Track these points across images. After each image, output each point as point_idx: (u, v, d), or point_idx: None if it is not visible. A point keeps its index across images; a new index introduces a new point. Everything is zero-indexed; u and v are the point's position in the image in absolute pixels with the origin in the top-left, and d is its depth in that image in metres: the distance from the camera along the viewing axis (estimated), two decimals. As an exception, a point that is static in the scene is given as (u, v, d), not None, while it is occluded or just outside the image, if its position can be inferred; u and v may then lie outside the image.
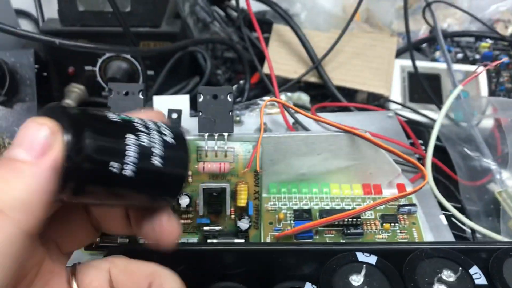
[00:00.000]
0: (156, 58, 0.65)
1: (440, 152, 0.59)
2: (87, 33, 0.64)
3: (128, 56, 0.65)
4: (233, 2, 0.80)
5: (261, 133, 0.40)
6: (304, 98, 0.69)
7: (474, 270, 0.29)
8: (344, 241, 0.41)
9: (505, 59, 0.75)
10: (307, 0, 0.81)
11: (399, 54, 0.76)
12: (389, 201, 0.40)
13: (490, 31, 0.80)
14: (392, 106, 0.68)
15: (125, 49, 0.60)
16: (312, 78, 0.71)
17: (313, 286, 0.37)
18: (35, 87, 0.61)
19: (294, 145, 0.43)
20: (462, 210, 0.53)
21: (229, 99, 0.40)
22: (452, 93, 0.54)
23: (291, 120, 0.57)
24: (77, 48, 0.55)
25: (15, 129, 0.60)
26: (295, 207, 0.43)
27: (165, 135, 0.26)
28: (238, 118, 0.59)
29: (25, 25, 0.83)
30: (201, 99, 0.40)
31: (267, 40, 0.75)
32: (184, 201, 0.39)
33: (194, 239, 0.41)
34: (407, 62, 0.73)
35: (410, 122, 0.64)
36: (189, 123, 0.43)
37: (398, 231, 0.42)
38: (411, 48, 0.71)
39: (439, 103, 0.68)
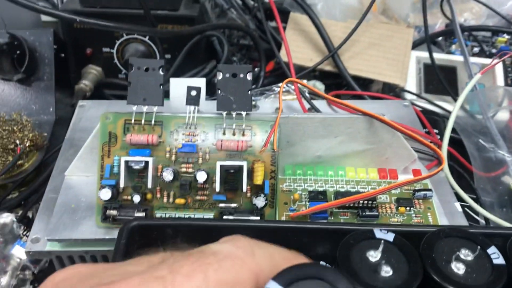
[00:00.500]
0: (174, 41, 0.66)
1: (456, 144, 0.59)
2: (106, 15, 0.64)
3: (146, 39, 0.65)
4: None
5: (280, 112, 0.40)
6: (319, 86, 0.69)
7: (492, 250, 0.29)
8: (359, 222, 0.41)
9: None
10: (324, -10, 0.81)
11: (415, 46, 0.75)
12: (405, 183, 0.40)
13: (508, 25, 0.80)
14: (408, 96, 0.68)
15: (144, 29, 0.60)
16: (328, 67, 0.71)
17: (328, 265, 0.37)
18: (53, 66, 0.61)
19: (312, 127, 0.43)
20: (476, 200, 0.53)
21: (248, 78, 0.40)
22: (469, 83, 0.54)
23: (307, 106, 0.57)
24: (96, 26, 0.55)
25: (32, 107, 0.60)
26: (310, 189, 0.44)
27: None
28: (254, 103, 0.59)
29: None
30: (220, 77, 0.40)
31: (284, 29, 0.75)
32: (201, 177, 0.39)
33: (209, 215, 0.41)
34: (423, 54, 0.72)
35: (425, 112, 0.64)
36: (204, 107, 0.44)
37: (413, 215, 0.42)
38: (428, 39, 0.70)
39: (454, 95, 0.68)
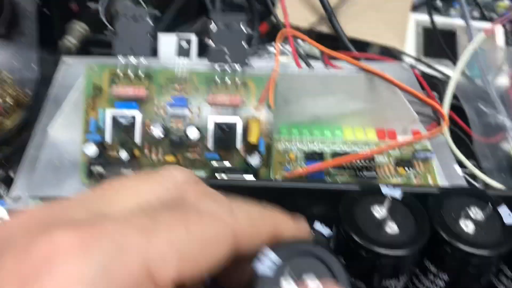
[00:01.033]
0: (163, -3, 0.62)
1: (456, 110, 0.57)
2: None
3: (134, -6, 0.62)
4: None
5: (277, 66, 0.38)
6: (315, 49, 0.66)
7: (503, 209, 0.27)
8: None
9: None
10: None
11: (414, 9, 0.73)
12: (405, 144, 0.38)
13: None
14: (406, 60, 0.66)
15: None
16: (324, 28, 0.68)
17: (323, 225, 0.35)
18: (35, 21, 0.58)
19: (310, 84, 0.41)
20: (476, 166, 0.51)
21: (243, 28, 0.38)
22: (471, 43, 0.52)
23: (303, 66, 0.54)
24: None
25: (13, 63, 0.57)
26: (306, 149, 0.42)
27: None
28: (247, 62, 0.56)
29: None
30: (213, 26, 0.38)
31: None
32: (192, 133, 0.37)
33: (201, 175, 0.39)
34: (423, 17, 0.70)
35: (424, 76, 0.62)
36: (196, 65, 0.41)
37: (413, 176, 0.40)
38: (429, 1, 0.68)
39: (454, 59, 0.66)
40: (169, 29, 0.64)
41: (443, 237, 0.26)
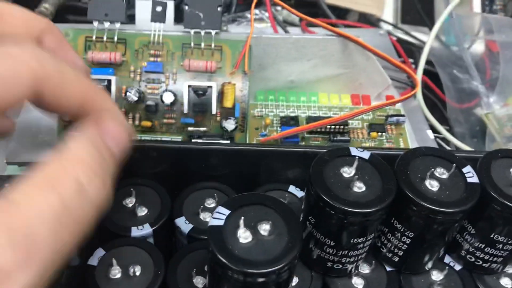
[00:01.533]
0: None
1: (431, 76, 0.58)
2: None
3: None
4: None
5: (251, 30, 0.38)
6: (293, 15, 0.66)
7: (468, 169, 0.29)
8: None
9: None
10: None
11: (393, -25, 0.73)
12: (378, 107, 0.39)
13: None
14: (384, 27, 0.66)
15: None
16: (303, -6, 0.68)
17: (297, 188, 0.36)
18: (9, -14, 0.57)
19: (285, 48, 0.41)
20: (448, 131, 0.53)
21: (218, -7, 0.38)
22: (446, 9, 0.52)
23: (280, 32, 0.54)
24: None
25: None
26: (282, 115, 0.42)
27: None
28: (225, 28, 0.56)
29: None
30: (188, -10, 0.38)
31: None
32: (168, 98, 0.37)
33: (178, 140, 0.39)
34: (401, -16, 0.70)
35: (401, 42, 0.62)
36: (171, 29, 0.41)
37: (385, 140, 0.41)
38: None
39: (431, 25, 0.66)
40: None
41: (409, 195, 0.27)
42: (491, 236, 0.29)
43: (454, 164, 0.28)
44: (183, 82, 0.38)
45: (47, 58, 0.22)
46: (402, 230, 0.29)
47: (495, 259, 0.30)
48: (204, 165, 0.35)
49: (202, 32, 0.38)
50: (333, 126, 0.40)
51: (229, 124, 0.38)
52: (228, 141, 0.38)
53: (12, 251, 0.17)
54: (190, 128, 0.39)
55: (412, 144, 0.41)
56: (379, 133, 0.41)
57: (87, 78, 0.24)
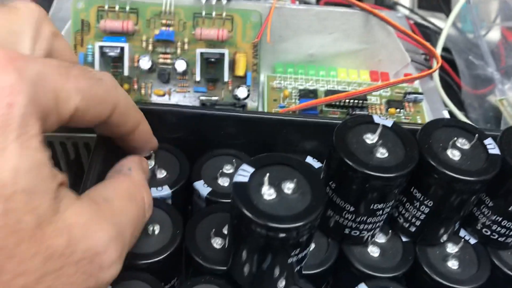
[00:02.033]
0: None
1: (447, 61, 0.58)
2: None
3: None
4: None
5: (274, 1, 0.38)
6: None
7: (489, 141, 0.29)
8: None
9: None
10: None
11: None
12: (397, 82, 0.39)
13: None
14: (400, 10, 0.66)
15: None
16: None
17: (314, 159, 0.36)
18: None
19: (307, 20, 0.41)
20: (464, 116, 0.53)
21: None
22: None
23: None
24: None
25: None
26: (301, 88, 0.42)
27: None
28: None
29: None
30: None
31: None
32: (180, 66, 0.37)
33: (194, 107, 0.39)
34: (419, -32, 0.70)
35: (418, 26, 0.62)
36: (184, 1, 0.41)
37: (403, 117, 0.41)
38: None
39: (448, 12, 0.66)
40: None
41: (430, 163, 0.27)
42: (509, 209, 0.29)
43: (477, 135, 0.28)
44: (194, 50, 0.38)
45: (120, 86, 0.26)
46: (421, 199, 0.29)
47: (511, 233, 0.30)
48: (222, 133, 0.35)
49: (213, 1, 0.38)
50: (351, 100, 0.40)
51: (241, 93, 0.38)
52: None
53: (116, 245, 0.22)
54: (202, 97, 0.39)
55: (429, 122, 0.41)
56: (398, 110, 0.41)
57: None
